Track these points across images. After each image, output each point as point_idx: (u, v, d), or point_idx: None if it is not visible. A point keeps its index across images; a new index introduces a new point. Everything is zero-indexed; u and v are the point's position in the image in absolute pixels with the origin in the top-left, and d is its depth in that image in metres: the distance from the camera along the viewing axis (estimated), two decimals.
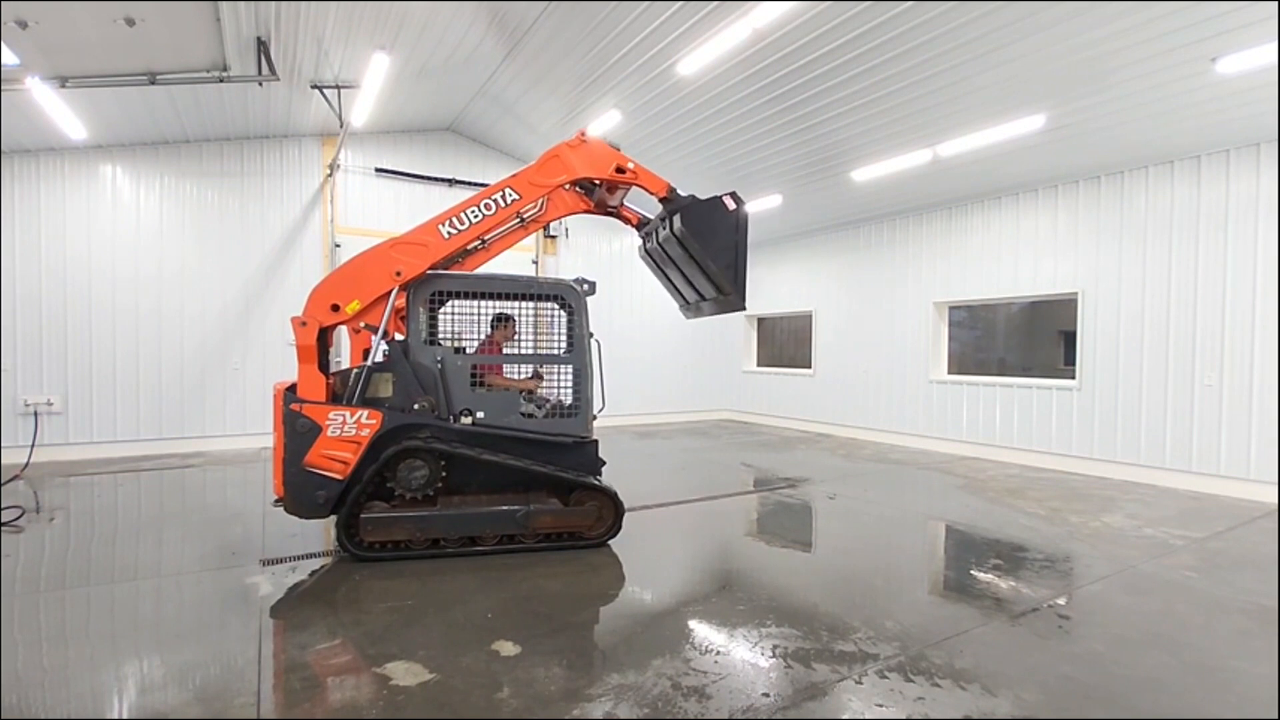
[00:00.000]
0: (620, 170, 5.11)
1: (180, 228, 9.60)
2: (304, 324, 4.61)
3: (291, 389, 4.66)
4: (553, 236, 12.53)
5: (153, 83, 7.09)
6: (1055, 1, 5.57)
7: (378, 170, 10.93)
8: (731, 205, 5.04)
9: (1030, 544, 5.38)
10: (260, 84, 7.63)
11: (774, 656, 3.35)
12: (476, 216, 4.91)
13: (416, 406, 4.79)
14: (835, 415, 12.32)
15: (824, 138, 8.83)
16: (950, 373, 10.75)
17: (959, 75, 6.85)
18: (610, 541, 5.20)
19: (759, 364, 14.76)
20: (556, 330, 5.51)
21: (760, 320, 14.83)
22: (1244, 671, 3.25)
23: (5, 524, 5.61)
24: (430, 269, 4.86)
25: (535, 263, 12.37)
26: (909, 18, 6.15)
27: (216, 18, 6.42)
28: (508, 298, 5.14)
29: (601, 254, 13.23)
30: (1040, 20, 5.83)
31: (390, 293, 4.78)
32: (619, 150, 5.22)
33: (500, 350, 5.38)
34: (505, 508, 4.88)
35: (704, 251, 5.02)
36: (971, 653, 3.41)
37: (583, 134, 5.13)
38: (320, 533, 5.49)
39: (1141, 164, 7.99)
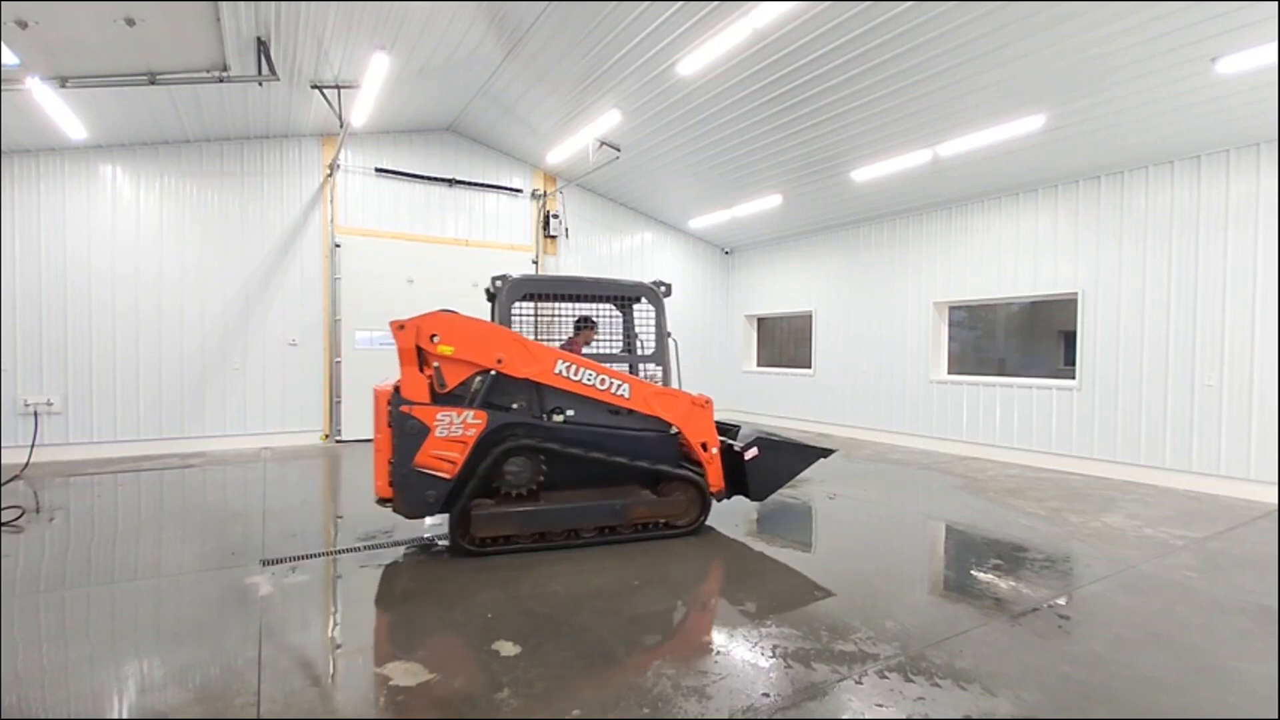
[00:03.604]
0: (704, 447, 5.46)
1: (180, 228, 9.60)
2: (401, 328, 4.69)
3: (396, 391, 4.74)
4: (553, 236, 12.51)
5: (153, 83, 7.09)
6: (1055, 1, 5.58)
7: (378, 170, 10.94)
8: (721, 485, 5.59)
9: (1030, 544, 5.38)
10: (260, 84, 7.63)
11: (774, 656, 3.35)
12: (588, 380, 5.10)
13: (515, 406, 4.98)
14: (835, 415, 12.31)
15: (824, 138, 8.83)
16: (950, 373, 10.75)
17: (959, 75, 6.85)
18: (609, 542, 5.21)
19: (759, 364, 14.75)
20: (627, 332, 5.88)
21: (760, 320, 14.83)
22: (1244, 671, 3.25)
23: (5, 524, 5.61)
24: (523, 378, 4.99)
25: (535, 262, 12.37)
26: (909, 18, 6.15)
27: (216, 18, 6.42)
28: (593, 299, 5.57)
29: (602, 253, 13.21)
30: (1040, 20, 5.83)
31: (486, 372, 4.91)
32: (717, 433, 5.54)
33: (580, 352, 5.58)
34: (605, 501, 5.12)
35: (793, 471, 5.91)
36: (971, 653, 3.41)
37: (707, 399, 5.46)
38: (320, 533, 5.49)
39: (1141, 164, 7.98)
